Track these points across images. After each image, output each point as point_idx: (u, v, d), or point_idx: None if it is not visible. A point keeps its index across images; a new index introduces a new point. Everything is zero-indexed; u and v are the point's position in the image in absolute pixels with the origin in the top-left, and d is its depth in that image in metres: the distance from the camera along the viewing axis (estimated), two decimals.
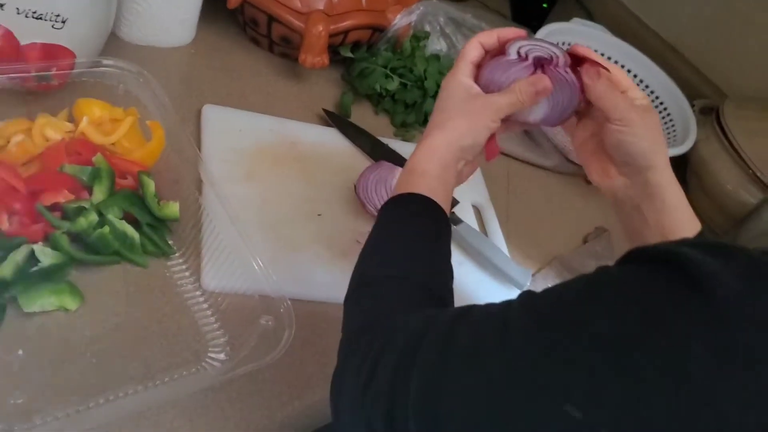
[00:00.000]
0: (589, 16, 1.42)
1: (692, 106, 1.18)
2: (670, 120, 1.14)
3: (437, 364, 0.44)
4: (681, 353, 0.35)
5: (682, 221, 0.65)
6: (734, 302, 0.36)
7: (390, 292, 0.54)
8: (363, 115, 1.03)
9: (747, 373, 0.34)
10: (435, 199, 0.60)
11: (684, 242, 0.40)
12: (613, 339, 0.37)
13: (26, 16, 0.72)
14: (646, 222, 0.66)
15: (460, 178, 0.68)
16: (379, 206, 0.84)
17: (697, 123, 1.12)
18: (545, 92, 0.64)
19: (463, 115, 0.64)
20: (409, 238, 0.58)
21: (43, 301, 0.65)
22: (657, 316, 0.37)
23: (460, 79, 0.65)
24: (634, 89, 0.67)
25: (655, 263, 0.40)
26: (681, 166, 1.16)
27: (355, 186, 0.86)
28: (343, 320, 0.56)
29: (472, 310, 0.47)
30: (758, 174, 1.03)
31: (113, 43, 0.91)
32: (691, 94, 1.25)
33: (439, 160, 0.63)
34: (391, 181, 0.87)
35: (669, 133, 1.13)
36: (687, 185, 1.17)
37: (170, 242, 0.75)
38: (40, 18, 0.73)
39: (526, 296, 0.45)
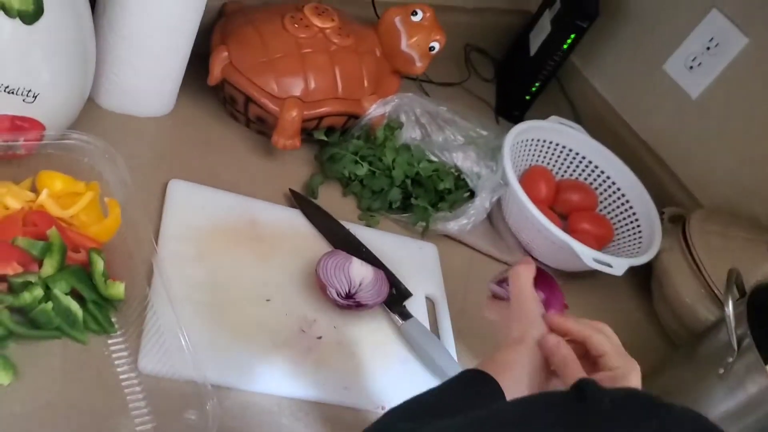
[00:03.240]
0: (572, 107, 1.44)
1: (662, 213, 1.19)
2: (638, 226, 1.15)
3: None
4: None
5: None
6: (602, 412, 0.44)
7: None
8: (331, 196, 1.04)
9: None
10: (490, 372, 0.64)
11: None
12: None
13: None
14: None
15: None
16: (339, 290, 0.86)
17: (665, 231, 1.13)
18: None
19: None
20: (439, 398, 0.63)
21: None
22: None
23: None
24: (612, 357, 0.69)
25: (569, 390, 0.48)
26: (646, 272, 1.16)
27: (316, 270, 0.88)
28: None
29: None
30: (715, 291, 1.04)
31: (90, 110, 0.93)
32: (664, 198, 1.27)
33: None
34: (348, 267, 0.89)
35: (634, 240, 1.14)
36: (650, 293, 1.18)
37: (114, 320, 0.76)
38: (12, 92, 0.76)
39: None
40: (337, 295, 0.86)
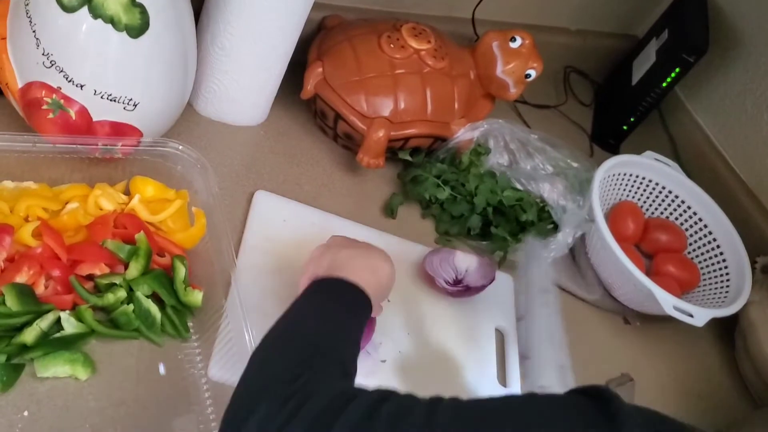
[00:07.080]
0: (671, 140, 1.39)
1: (754, 262, 1.14)
2: (727, 274, 1.11)
3: (360, 426, 0.47)
4: None
5: None
6: None
7: (313, 360, 0.57)
8: (409, 217, 1.05)
9: None
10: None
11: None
12: None
13: (102, 97, 0.79)
14: None
15: None
16: (448, 279, 0.92)
17: (755, 281, 1.08)
18: None
19: None
20: (332, 315, 0.66)
21: (57, 369, 0.70)
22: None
23: None
24: None
25: (586, 395, 0.48)
26: (731, 322, 1.11)
27: (423, 265, 0.94)
28: (253, 362, 0.59)
29: (395, 394, 0.52)
30: None
31: (188, 114, 0.97)
32: (759, 245, 1.21)
33: None
34: (453, 260, 0.94)
35: (721, 289, 1.09)
36: (733, 343, 1.13)
37: (190, 325, 0.79)
38: (114, 100, 0.79)
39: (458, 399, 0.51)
40: (446, 283, 0.91)
